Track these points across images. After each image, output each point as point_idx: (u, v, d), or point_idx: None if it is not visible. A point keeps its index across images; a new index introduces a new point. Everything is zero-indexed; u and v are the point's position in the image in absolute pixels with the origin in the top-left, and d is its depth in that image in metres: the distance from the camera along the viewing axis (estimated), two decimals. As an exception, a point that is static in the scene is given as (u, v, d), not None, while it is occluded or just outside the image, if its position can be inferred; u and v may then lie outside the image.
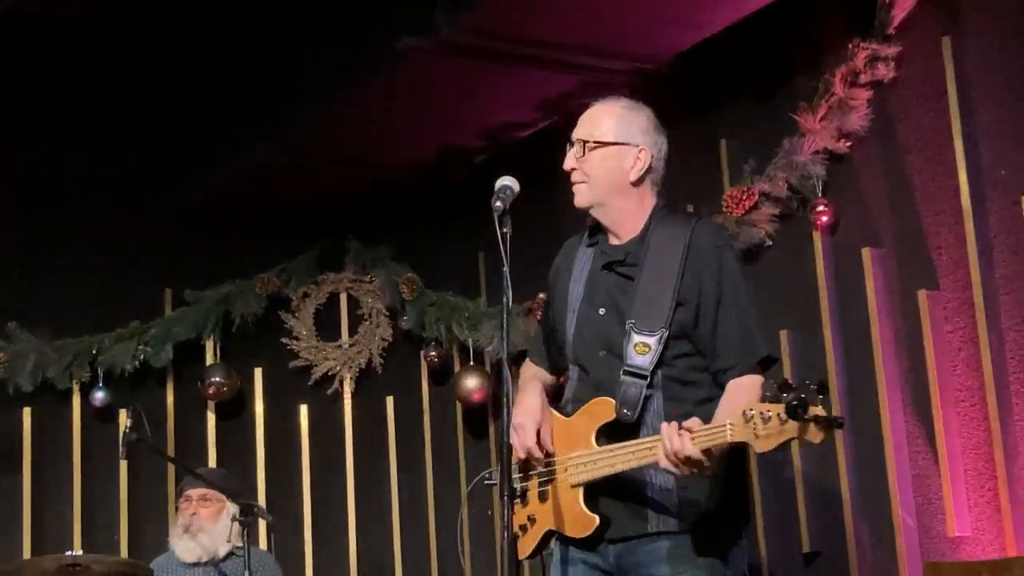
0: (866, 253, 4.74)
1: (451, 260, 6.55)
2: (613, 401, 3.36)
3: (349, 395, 6.71)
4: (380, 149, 5.93)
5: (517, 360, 4.99)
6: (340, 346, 6.73)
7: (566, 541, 3.45)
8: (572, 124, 3.60)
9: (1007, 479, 4.26)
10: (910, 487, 4.57)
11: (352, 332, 6.76)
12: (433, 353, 6.53)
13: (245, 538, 4.79)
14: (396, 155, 5.98)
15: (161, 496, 6.28)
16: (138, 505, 6.29)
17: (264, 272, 6.64)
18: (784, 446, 3.08)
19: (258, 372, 6.62)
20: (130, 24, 5.77)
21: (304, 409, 6.68)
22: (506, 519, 3.17)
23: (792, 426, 3.02)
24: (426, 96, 5.41)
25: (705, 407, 3.34)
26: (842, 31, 4.82)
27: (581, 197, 3.54)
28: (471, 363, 6.32)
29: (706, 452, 3.14)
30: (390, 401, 6.71)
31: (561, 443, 3.46)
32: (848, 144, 4.83)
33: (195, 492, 5.30)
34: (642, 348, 3.37)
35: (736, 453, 3.30)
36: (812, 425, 3.01)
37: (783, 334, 4.95)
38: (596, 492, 3.37)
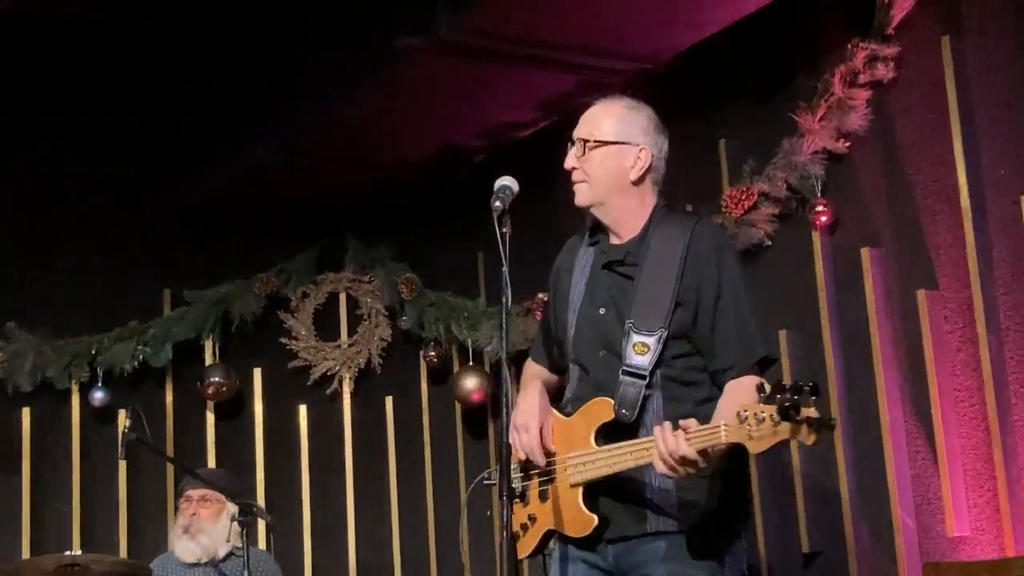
0: (865, 253, 4.75)
1: (450, 260, 6.55)
2: (611, 401, 3.36)
3: (348, 395, 6.71)
4: (379, 149, 5.93)
5: (516, 360, 5.01)
6: (339, 346, 6.73)
7: (566, 540, 3.45)
8: (572, 124, 3.60)
9: (1006, 479, 4.26)
10: (909, 487, 4.57)
11: (351, 332, 6.77)
12: (432, 353, 6.53)
13: (244, 538, 4.79)
14: (395, 155, 5.98)
15: (160, 496, 6.28)
16: (137, 505, 6.29)
17: (263, 272, 6.64)
18: (780, 446, 3.08)
19: (257, 372, 6.62)
20: (130, 24, 5.77)
21: (303, 409, 6.68)
22: (505, 519, 3.17)
23: (785, 427, 3.01)
24: (426, 96, 5.41)
25: (705, 407, 3.34)
26: (841, 31, 4.83)
27: (582, 196, 3.54)
28: (470, 363, 6.32)
29: (702, 453, 3.14)
30: (389, 401, 6.71)
31: (561, 443, 3.46)
32: (847, 144, 4.83)
33: (195, 493, 5.30)
34: (641, 348, 3.37)
35: (735, 453, 3.29)
36: (804, 427, 3.00)
37: (782, 334, 4.95)
38: (595, 492, 3.37)
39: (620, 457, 3.30)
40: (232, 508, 5.07)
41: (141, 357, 6.32)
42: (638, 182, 3.51)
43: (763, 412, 3.02)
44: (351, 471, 6.63)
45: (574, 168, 3.53)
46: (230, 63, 5.98)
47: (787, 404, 2.98)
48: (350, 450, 6.67)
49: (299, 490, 6.57)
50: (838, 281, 4.87)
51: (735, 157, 5.21)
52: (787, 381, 3.05)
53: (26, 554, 5.98)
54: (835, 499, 4.72)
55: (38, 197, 6.33)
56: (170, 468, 6.21)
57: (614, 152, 3.50)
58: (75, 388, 6.27)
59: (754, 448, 3.08)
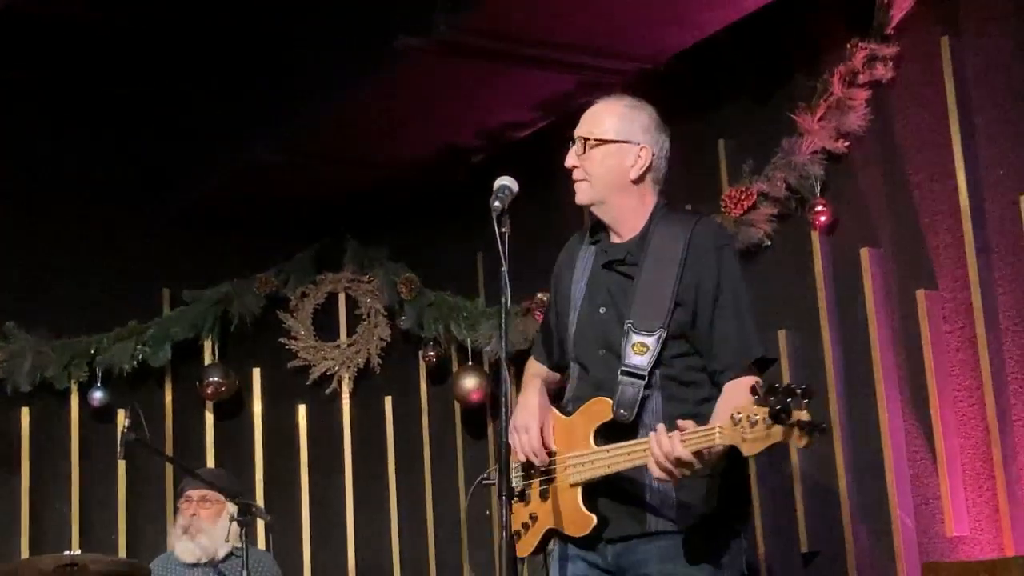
0: (864, 253, 4.75)
1: (450, 260, 6.55)
2: (610, 401, 3.36)
3: (347, 395, 6.71)
4: (379, 149, 5.93)
5: (516, 360, 5.02)
6: (338, 346, 6.73)
7: (566, 539, 3.45)
8: (571, 124, 3.60)
9: (1005, 479, 4.26)
10: (908, 487, 4.57)
11: (350, 332, 6.77)
12: (431, 353, 6.53)
13: (244, 538, 4.79)
14: (395, 155, 5.98)
15: (159, 496, 6.28)
16: (136, 505, 6.29)
17: (262, 272, 6.64)
18: (775, 447, 3.08)
19: (256, 372, 6.62)
20: (130, 24, 5.77)
21: (302, 409, 6.68)
22: (504, 519, 3.17)
23: (777, 431, 3.00)
24: (425, 96, 5.41)
25: (704, 407, 3.33)
26: (841, 31, 4.82)
27: (582, 195, 3.54)
28: (470, 363, 6.32)
29: (697, 454, 3.13)
30: (388, 401, 6.72)
31: (561, 442, 3.46)
32: (846, 144, 4.83)
33: (195, 493, 5.30)
34: (640, 348, 3.37)
35: (734, 453, 3.29)
36: (796, 430, 2.99)
37: (781, 334, 4.96)
38: (595, 492, 3.37)
39: (618, 457, 3.29)
40: (231, 508, 5.06)
41: (140, 357, 6.32)
42: (638, 181, 3.51)
43: (756, 415, 3.01)
44: (350, 471, 6.64)
45: (575, 166, 3.53)
46: (230, 63, 5.98)
47: (778, 407, 2.96)
48: (349, 450, 6.67)
49: (298, 490, 6.57)
50: (837, 281, 4.87)
51: (734, 157, 5.21)
52: (783, 383, 3.03)
53: (25, 554, 5.98)
54: (834, 499, 4.72)
55: (38, 197, 6.33)
56: (169, 468, 6.21)
57: (615, 151, 3.50)
58: (74, 388, 6.27)
59: (748, 450, 3.07)
